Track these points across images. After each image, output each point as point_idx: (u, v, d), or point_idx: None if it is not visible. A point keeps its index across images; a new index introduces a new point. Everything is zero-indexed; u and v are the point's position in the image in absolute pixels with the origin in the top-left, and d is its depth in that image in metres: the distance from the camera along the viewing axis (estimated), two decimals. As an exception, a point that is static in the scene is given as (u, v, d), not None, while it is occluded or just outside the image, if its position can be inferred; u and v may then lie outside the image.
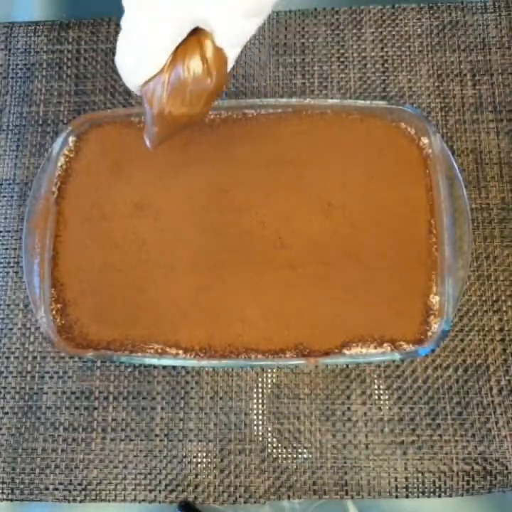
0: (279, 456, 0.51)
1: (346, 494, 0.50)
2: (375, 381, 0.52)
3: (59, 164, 0.54)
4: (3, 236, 0.58)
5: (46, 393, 0.53)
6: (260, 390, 0.52)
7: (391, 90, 0.59)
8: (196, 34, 0.37)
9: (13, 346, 0.55)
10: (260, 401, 0.52)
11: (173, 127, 0.42)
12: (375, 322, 0.49)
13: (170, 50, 0.37)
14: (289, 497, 0.50)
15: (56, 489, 0.51)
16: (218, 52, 0.37)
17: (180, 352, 0.49)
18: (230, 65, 0.38)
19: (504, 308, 0.53)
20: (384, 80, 0.59)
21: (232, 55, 0.38)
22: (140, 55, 0.38)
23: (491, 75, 0.59)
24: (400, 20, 0.61)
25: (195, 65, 0.37)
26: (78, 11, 0.65)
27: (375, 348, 0.49)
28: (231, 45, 0.37)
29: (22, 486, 0.52)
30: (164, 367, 0.53)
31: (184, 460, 0.51)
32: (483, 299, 0.53)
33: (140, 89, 0.40)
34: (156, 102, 0.39)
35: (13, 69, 0.63)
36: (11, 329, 0.55)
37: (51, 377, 0.54)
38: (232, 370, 0.53)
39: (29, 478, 0.52)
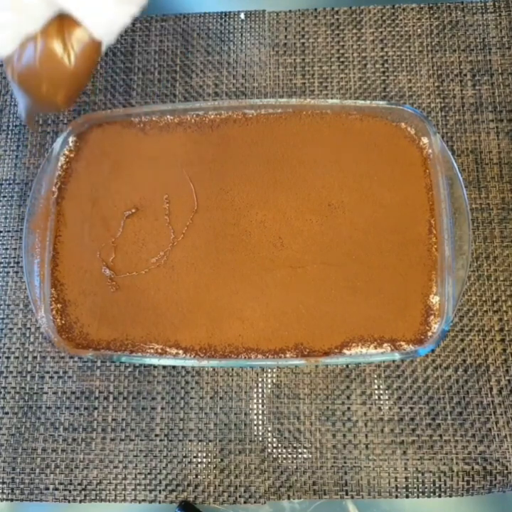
0: (279, 456, 0.51)
1: (346, 494, 0.50)
2: (375, 381, 0.52)
3: (59, 164, 0.54)
4: (3, 236, 0.58)
5: (46, 393, 0.53)
6: (260, 390, 0.52)
7: (391, 90, 0.59)
8: (67, 15, 0.37)
9: (13, 346, 0.55)
10: (260, 401, 0.52)
11: (37, 106, 0.41)
12: (375, 322, 0.49)
13: (32, 26, 0.36)
14: (289, 497, 0.50)
15: (56, 489, 0.51)
16: (83, 36, 0.36)
17: (180, 352, 0.49)
18: (102, 51, 0.38)
19: (504, 308, 0.53)
20: (384, 80, 0.59)
21: (104, 42, 0.37)
22: (6, 28, 0.37)
23: (491, 75, 0.59)
24: (400, 20, 0.61)
25: (53, 46, 0.36)
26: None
27: (375, 348, 0.49)
28: (101, 33, 0.37)
29: (22, 486, 0.52)
30: (164, 367, 0.53)
31: (184, 460, 0.51)
32: (483, 299, 0.53)
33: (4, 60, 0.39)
34: (12, 75, 0.39)
35: (13, 69, 0.62)
36: (11, 329, 0.55)
37: (51, 377, 0.54)
38: (232, 370, 0.53)
39: (29, 478, 0.52)
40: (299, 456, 0.51)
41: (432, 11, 0.61)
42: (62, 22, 0.36)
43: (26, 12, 0.36)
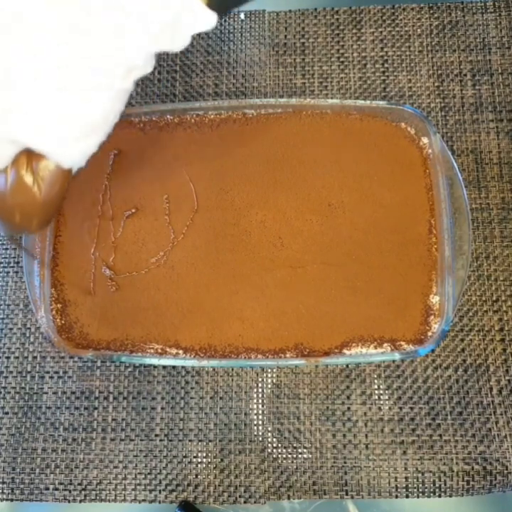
0: (279, 456, 0.51)
1: (346, 494, 0.50)
2: (375, 381, 0.52)
3: (59, 164, 0.54)
4: (3, 236, 0.58)
5: (46, 393, 0.53)
6: (260, 390, 0.52)
7: (391, 90, 0.59)
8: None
9: (13, 346, 0.55)
10: (260, 401, 0.52)
11: (13, 230, 0.42)
12: (375, 322, 0.49)
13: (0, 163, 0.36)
14: (289, 497, 0.50)
15: (56, 489, 0.51)
16: (50, 167, 0.37)
17: (180, 352, 0.49)
18: (72, 175, 0.38)
19: (504, 308, 0.53)
20: (384, 80, 0.59)
21: (73, 168, 0.37)
22: None
23: (491, 75, 0.59)
24: (400, 20, 0.61)
25: (22, 177, 0.36)
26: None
27: (375, 348, 0.49)
28: (69, 163, 0.37)
29: (22, 486, 0.52)
30: (164, 367, 0.53)
31: (184, 460, 0.51)
32: (483, 299, 0.53)
33: None
34: None
35: (13, 69, 0.62)
36: (11, 329, 0.55)
37: (51, 377, 0.54)
38: (232, 370, 0.53)
39: (29, 478, 0.52)
40: (299, 456, 0.51)
41: (431, 11, 0.61)
42: (31, 153, 0.36)
43: None
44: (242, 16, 0.62)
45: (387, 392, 0.52)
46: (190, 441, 0.52)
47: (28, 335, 0.55)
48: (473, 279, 0.54)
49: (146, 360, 0.49)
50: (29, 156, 0.37)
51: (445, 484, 0.50)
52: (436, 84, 0.59)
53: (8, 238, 0.46)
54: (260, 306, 0.50)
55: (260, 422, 0.52)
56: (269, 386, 0.53)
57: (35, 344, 0.55)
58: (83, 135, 0.36)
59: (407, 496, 0.50)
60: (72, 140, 0.36)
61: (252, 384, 0.53)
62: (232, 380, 0.53)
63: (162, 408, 0.52)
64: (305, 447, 0.51)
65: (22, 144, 0.36)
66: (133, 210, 0.53)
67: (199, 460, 0.51)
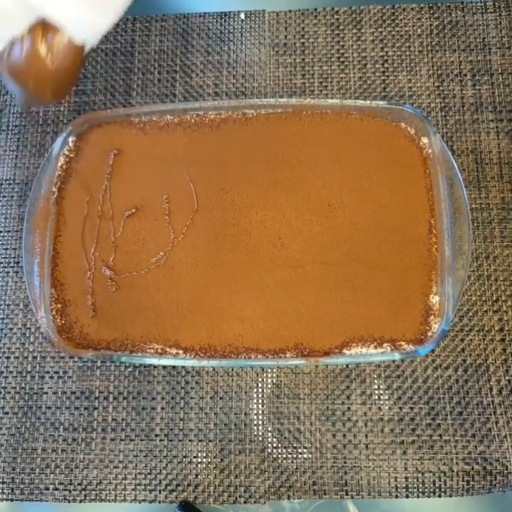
0: (279, 456, 0.51)
1: (346, 494, 0.50)
2: (375, 381, 0.52)
3: (59, 164, 0.54)
4: (3, 236, 0.58)
5: (46, 393, 0.53)
6: (260, 390, 0.52)
7: (391, 90, 0.59)
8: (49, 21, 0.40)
9: (13, 346, 0.55)
10: (260, 401, 0.52)
11: (29, 98, 0.45)
12: (375, 322, 0.49)
13: (17, 31, 0.40)
14: (289, 497, 0.50)
15: (56, 489, 0.51)
16: (63, 40, 0.40)
17: (180, 352, 0.49)
18: (85, 52, 0.41)
19: (504, 308, 0.53)
20: (384, 80, 0.59)
21: (86, 45, 0.41)
22: None
23: (491, 75, 0.59)
24: (400, 20, 0.61)
25: (37, 47, 0.40)
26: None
27: (375, 348, 0.49)
28: (81, 38, 0.40)
29: (22, 486, 0.52)
30: (164, 367, 0.53)
31: (184, 460, 0.51)
32: (483, 299, 0.53)
33: None
34: (2, 71, 0.42)
35: (13, 69, 0.62)
36: (11, 329, 0.55)
37: (51, 377, 0.54)
38: (232, 370, 0.53)
39: (29, 478, 0.52)
40: (299, 456, 0.51)
41: (432, 11, 0.61)
42: (47, 25, 0.40)
43: (7, 18, 0.40)
44: (242, 15, 0.62)
45: (387, 392, 0.52)
46: (190, 441, 0.52)
47: (28, 335, 0.55)
48: (473, 279, 0.54)
49: (146, 360, 0.49)
50: (44, 29, 0.40)
51: (445, 484, 0.50)
52: (436, 84, 0.59)
53: (25, 110, 0.50)
54: (260, 306, 0.50)
55: (260, 422, 0.52)
56: (269, 386, 0.53)
57: (35, 344, 0.55)
58: (96, 11, 0.39)
59: (407, 496, 0.50)
60: (85, 15, 0.39)
61: (252, 384, 0.53)
62: (232, 380, 0.53)
63: (162, 408, 0.52)
64: (305, 447, 0.51)
65: (39, 14, 0.39)
66: (133, 210, 0.53)
67: (199, 460, 0.51)
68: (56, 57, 0.40)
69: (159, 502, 0.51)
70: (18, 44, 0.41)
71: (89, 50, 0.43)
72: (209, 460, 0.51)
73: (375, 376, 0.52)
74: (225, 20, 0.62)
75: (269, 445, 0.51)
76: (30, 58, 0.40)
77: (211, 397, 0.53)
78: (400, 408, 0.51)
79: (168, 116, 0.55)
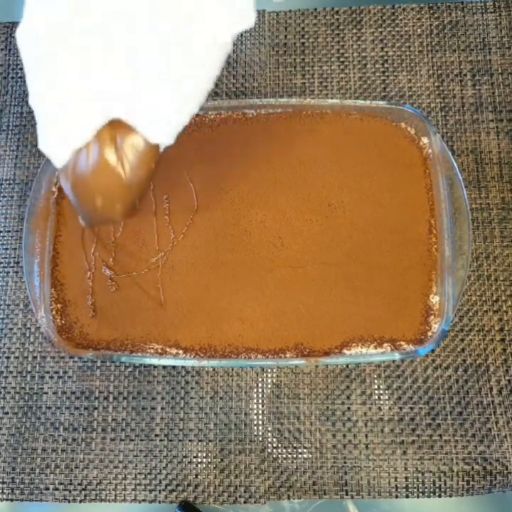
0: (279, 456, 0.51)
1: (346, 494, 0.50)
2: (375, 381, 0.52)
3: (59, 164, 0.54)
4: (3, 236, 0.58)
5: (46, 393, 0.53)
6: (260, 390, 0.52)
7: (391, 90, 0.59)
8: (117, 121, 0.33)
9: (13, 346, 0.55)
10: (260, 401, 0.52)
11: (94, 218, 0.38)
12: (375, 322, 0.49)
13: (83, 136, 0.33)
14: (289, 497, 0.50)
15: (56, 489, 0.51)
16: (138, 143, 0.33)
17: (180, 352, 0.49)
18: (160, 155, 0.34)
19: (504, 308, 0.53)
20: (384, 80, 0.59)
21: (162, 145, 0.34)
22: (57, 139, 0.34)
23: (491, 75, 0.59)
24: (400, 20, 0.61)
25: (106, 155, 0.33)
26: (78, 11, 0.65)
27: (375, 348, 0.49)
28: (159, 138, 0.33)
29: (22, 486, 0.52)
30: (164, 367, 0.53)
31: (184, 460, 0.51)
32: (483, 299, 0.53)
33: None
34: (66, 187, 0.36)
35: (13, 69, 0.63)
36: (11, 329, 0.55)
37: (51, 377, 0.54)
38: (232, 370, 0.53)
39: (29, 478, 0.52)
40: (299, 456, 0.51)
41: (432, 11, 0.61)
42: (114, 126, 0.33)
43: (78, 121, 0.33)
44: (242, 16, 0.62)
45: (387, 392, 0.52)
46: (190, 441, 0.52)
47: (28, 335, 0.55)
48: (473, 279, 0.54)
49: (146, 360, 0.49)
50: (113, 131, 0.33)
51: (445, 484, 0.50)
52: (436, 84, 0.59)
53: (88, 227, 0.42)
54: (260, 306, 0.50)
55: (260, 422, 0.52)
56: (269, 386, 0.53)
57: (35, 344, 0.55)
58: (177, 108, 0.33)
59: (407, 496, 0.50)
60: (166, 108, 0.32)
61: (252, 384, 0.53)
62: (232, 380, 0.53)
63: (162, 408, 0.52)
64: (305, 447, 0.51)
65: (109, 115, 0.32)
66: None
67: (199, 460, 0.51)
68: (130, 165, 0.33)
69: (159, 502, 0.51)
70: (84, 153, 0.33)
71: (165, 149, 0.35)
72: (209, 460, 0.51)
73: (375, 376, 0.52)
74: (225, 20, 0.62)
75: (269, 445, 0.51)
76: (98, 169, 0.33)
77: (211, 397, 0.53)
78: (400, 408, 0.51)
79: (168, 116, 0.55)
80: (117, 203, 0.35)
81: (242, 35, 0.61)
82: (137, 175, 0.34)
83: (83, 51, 0.32)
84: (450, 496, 0.49)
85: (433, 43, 0.60)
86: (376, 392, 0.52)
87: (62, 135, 0.34)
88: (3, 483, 0.52)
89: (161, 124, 0.33)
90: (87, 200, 0.35)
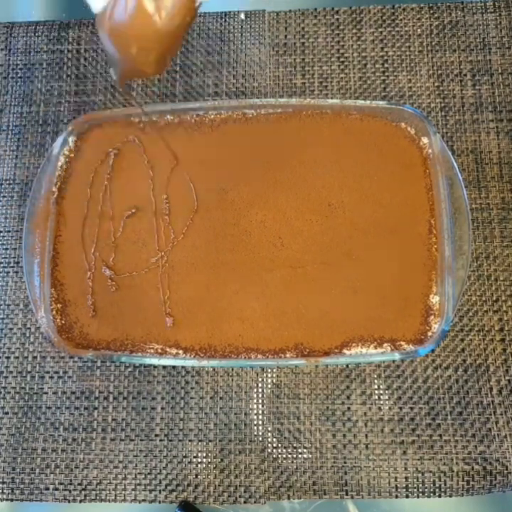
0: (279, 456, 0.51)
1: (346, 494, 0.50)
2: (375, 381, 0.52)
3: (59, 164, 0.54)
4: (3, 236, 0.58)
5: (46, 393, 0.53)
6: (260, 390, 0.52)
7: (391, 90, 0.59)
8: None
9: (13, 346, 0.55)
10: (260, 401, 0.52)
11: (128, 68, 0.38)
12: (375, 322, 0.49)
13: None
14: (289, 497, 0.50)
15: (56, 489, 0.51)
16: None
17: (180, 352, 0.49)
18: (197, 10, 0.34)
19: (504, 308, 0.53)
20: (384, 80, 0.59)
21: (197, 1, 0.33)
22: None
23: (491, 75, 0.59)
24: (400, 20, 0.61)
25: (144, 2, 0.33)
26: (78, 11, 0.65)
27: (375, 348, 0.49)
28: None
29: (22, 486, 0.52)
30: (164, 367, 0.53)
31: (184, 460, 0.51)
32: (483, 299, 0.53)
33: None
34: (103, 33, 0.35)
35: (13, 69, 0.63)
36: (11, 329, 0.55)
37: (51, 377, 0.54)
38: (232, 370, 0.53)
39: (29, 478, 0.52)
40: (299, 456, 0.51)
41: (432, 11, 0.61)
42: None
43: None
44: (242, 15, 0.62)
45: (387, 392, 0.52)
46: (190, 441, 0.52)
47: (28, 335, 0.55)
48: (473, 279, 0.54)
49: (146, 360, 0.49)
50: None
51: (445, 484, 0.50)
52: (436, 84, 0.59)
53: (120, 84, 0.41)
54: (260, 306, 0.50)
55: (260, 422, 0.52)
56: (269, 386, 0.53)
57: (35, 344, 0.55)
58: None
59: (407, 496, 0.50)
60: None
61: (252, 384, 0.53)
62: (232, 380, 0.53)
63: (162, 408, 0.52)
64: (305, 447, 0.51)
65: None
66: (133, 210, 0.53)
67: (199, 460, 0.51)
68: (166, 13, 0.33)
69: (159, 502, 0.51)
70: (120, 1, 0.33)
71: (200, 5, 0.34)
72: (209, 460, 0.51)
73: (375, 376, 0.52)
74: (225, 20, 0.62)
75: (269, 445, 0.51)
76: (135, 16, 0.33)
77: (211, 397, 0.53)
78: (400, 408, 0.51)
79: (168, 116, 0.55)
80: (152, 50, 0.35)
81: (242, 35, 0.62)
82: (173, 24, 0.33)
83: None
84: (450, 496, 0.49)
85: (433, 43, 0.60)
86: (376, 392, 0.52)
87: None
88: (3, 483, 0.52)
89: None
90: (122, 47, 0.35)
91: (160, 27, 0.33)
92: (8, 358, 0.55)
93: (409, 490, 0.50)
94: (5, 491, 0.52)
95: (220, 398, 0.52)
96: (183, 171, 0.54)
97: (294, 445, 0.51)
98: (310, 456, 0.51)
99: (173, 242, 0.52)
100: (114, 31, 0.35)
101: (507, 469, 0.50)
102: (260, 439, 0.51)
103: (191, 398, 0.53)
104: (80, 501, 0.51)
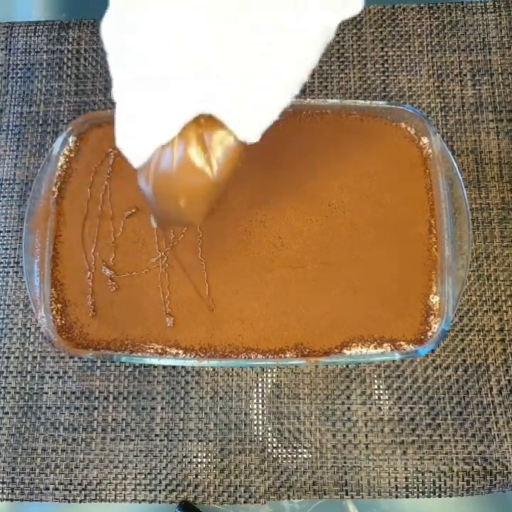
0: (279, 456, 0.51)
1: (346, 494, 0.50)
2: (375, 381, 0.52)
3: (59, 164, 0.54)
4: (3, 236, 0.58)
5: (46, 393, 0.53)
6: (260, 390, 0.52)
7: (391, 90, 0.59)
8: (205, 116, 0.31)
9: (13, 346, 0.55)
10: (260, 401, 0.52)
11: (171, 219, 0.36)
12: (375, 322, 0.49)
13: (169, 133, 0.31)
14: (289, 497, 0.50)
15: (56, 489, 0.51)
16: (227, 140, 0.31)
17: (180, 352, 0.49)
18: (243, 153, 0.32)
19: (504, 308, 0.53)
20: (384, 80, 0.59)
21: (251, 140, 0.32)
22: (139, 136, 0.33)
23: (491, 75, 0.59)
24: (400, 20, 0.61)
25: (192, 152, 0.31)
26: (78, 11, 0.65)
27: (375, 348, 0.49)
28: (248, 135, 0.31)
29: (22, 486, 0.52)
30: (164, 367, 0.53)
31: (184, 460, 0.51)
32: (483, 299, 0.53)
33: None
34: (147, 185, 0.33)
35: (13, 69, 0.63)
36: (11, 329, 0.55)
37: (51, 377, 0.54)
38: (232, 370, 0.53)
39: (29, 478, 0.52)
40: (299, 456, 0.51)
41: (432, 11, 0.61)
42: (200, 123, 0.31)
43: (165, 115, 0.31)
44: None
45: (387, 392, 0.52)
46: (190, 441, 0.52)
47: (28, 335, 0.55)
48: (473, 279, 0.54)
49: (146, 360, 0.49)
50: (200, 128, 0.31)
51: (445, 484, 0.50)
52: (436, 84, 0.59)
53: (161, 231, 0.39)
54: (260, 306, 0.50)
55: (260, 422, 0.52)
56: (269, 386, 0.53)
57: (35, 344, 0.55)
58: (272, 102, 0.30)
59: (407, 496, 0.50)
60: (260, 107, 0.30)
61: (252, 384, 0.53)
62: (232, 380, 0.53)
63: (162, 408, 0.52)
64: (305, 447, 0.51)
65: (200, 108, 0.30)
66: (133, 210, 0.53)
67: (199, 460, 0.51)
68: (217, 164, 0.31)
69: (159, 502, 0.51)
70: (168, 151, 0.31)
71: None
72: (209, 460, 0.51)
73: (375, 376, 0.52)
74: (225, 20, 0.62)
75: (269, 445, 0.51)
76: (185, 168, 0.31)
77: (211, 397, 0.53)
78: (400, 408, 0.51)
79: (168, 116, 0.55)
80: (202, 203, 0.33)
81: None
82: (224, 174, 0.32)
83: (180, 36, 0.30)
84: (450, 496, 0.49)
85: (433, 43, 0.60)
86: (376, 392, 0.52)
87: (145, 130, 0.32)
88: (3, 483, 0.52)
89: (253, 119, 0.31)
90: (169, 200, 0.33)
91: (211, 179, 0.31)
92: (8, 358, 0.55)
93: (409, 490, 0.50)
94: (5, 491, 0.52)
95: (220, 398, 0.52)
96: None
97: (294, 445, 0.51)
98: (310, 456, 0.51)
99: (173, 242, 0.52)
100: (161, 185, 0.33)
101: (507, 469, 0.50)
102: (260, 439, 0.51)
103: (191, 398, 0.53)
104: (80, 501, 0.51)
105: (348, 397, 0.52)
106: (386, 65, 0.60)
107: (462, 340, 0.53)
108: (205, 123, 0.31)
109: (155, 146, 0.32)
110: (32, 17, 0.65)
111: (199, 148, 0.31)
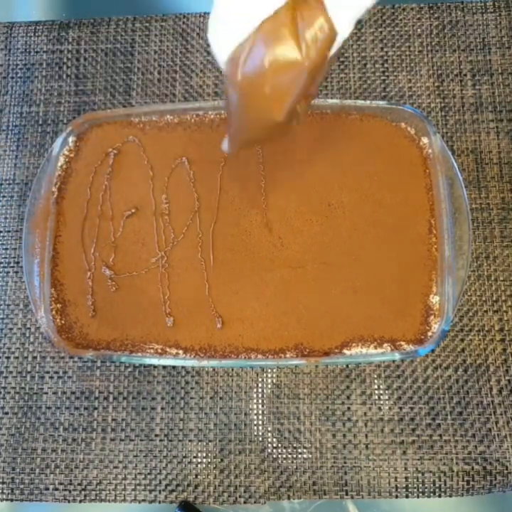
0: (279, 456, 0.51)
1: (346, 494, 0.50)
2: (375, 381, 0.52)
3: (59, 164, 0.54)
4: (3, 236, 0.58)
5: (46, 393, 0.53)
6: (260, 390, 0.52)
7: (391, 90, 0.59)
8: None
9: (13, 346, 0.55)
10: (260, 401, 0.52)
11: (250, 123, 0.34)
12: (375, 322, 0.49)
13: (262, 15, 0.29)
14: (289, 497, 0.50)
15: (56, 489, 0.51)
16: (323, 27, 0.29)
17: (180, 352, 0.49)
18: (337, 45, 0.30)
19: (504, 308, 0.53)
20: (384, 80, 0.59)
21: (342, 32, 0.29)
22: (231, 22, 0.31)
23: (491, 75, 0.59)
24: (399, 20, 0.61)
25: (287, 39, 0.28)
26: (78, 11, 0.65)
27: (375, 348, 0.49)
28: (342, 26, 0.29)
29: (22, 486, 0.52)
30: (164, 367, 0.53)
31: (184, 460, 0.51)
32: (483, 299, 0.53)
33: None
34: (234, 79, 0.31)
35: (13, 69, 0.63)
36: (11, 329, 0.55)
37: (51, 377, 0.54)
38: (232, 370, 0.53)
39: (29, 478, 0.52)
40: (299, 456, 0.51)
41: (432, 11, 0.61)
42: (295, 5, 0.28)
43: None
44: (242, 15, 0.62)
45: (387, 392, 0.52)
46: (190, 441, 0.52)
47: (28, 335, 0.55)
48: (473, 279, 0.54)
49: (146, 360, 0.49)
50: (294, 10, 0.28)
51: (445, 484, 0.50)
52: (436, 84, 0.59)
53: (231, 149, 0.37)
54: (260, 306, 0.50)
55: (260, 422, 0.52)
56: (269, 386, 0.53)
57: (35, 344, 0.55)
58: None
59: (407, 496, 0.50)
60: None
61: (252, 384, 0.53)
62: (232, 380, 0.53)
63: (162, 408, 0.52)
64: (305, 447, 0.51)
65: None
66: (133, 210, 0.53)
67: (199, 460, 0.51)
68: (308, 50, 0.28)
69: (159, 502, 0.51)
70: (260, 39, 0.29)
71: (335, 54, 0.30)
72: (209, 460, 0.51)
73: (375, 376, 0.52)
74: (225, 20, 0.62)
75: (269, 445, 0.51)
76: (276, 51, 0.28)
77: (211, 397, 0.53)
78: (400, 408, 0.51)
79: (168, 117, 0.55)
80: (288, 92, 0.30)
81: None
82: (313, 62, 0.29)
83: None
84: (450, 495, 0.49)
85: (433, 43, 0.60)
86: (376, 392, 0.52)
87: (240, 12, 0.30)
88: (3, 483, 0.52)
89: (349, 3, 0.28)
90: (256, 89, 0.31)
91: (300, 63, 0.29)
92: (8, 358, 0.55)
93: (409, 490, 0.50)
94: (5, 491, 0.52)
95: (220, 398, 0.52)
96: (182, 171, 0.54)
97: (294, 445, 0.51)
98: (310, 456, 0.51)
99: (173, 242, 0.52)
100: (250, 74, 0.31)
101: (507, 469, 0.50)
102: (260, 439, 0.51)
103: (191, 398, 0.53)
104: (80, 501, 0.51)
105: (348, 397, 0.52)
106: (386, 65, 0.60)
107: (462, 340, 0.53)
108: (300, 6, 0.29)
109: (248, 30, 0.30)
110: (32, 17, 0.65)
111: (292, 30, 0.28)
